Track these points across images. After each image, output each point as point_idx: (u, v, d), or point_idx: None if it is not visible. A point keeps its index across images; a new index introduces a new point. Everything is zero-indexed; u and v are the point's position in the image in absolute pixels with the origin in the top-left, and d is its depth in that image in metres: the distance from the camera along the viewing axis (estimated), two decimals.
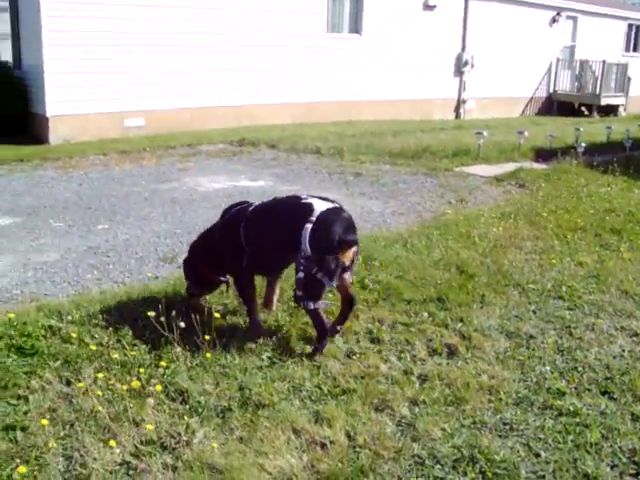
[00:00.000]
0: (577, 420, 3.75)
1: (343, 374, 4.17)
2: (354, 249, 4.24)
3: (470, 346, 4.63)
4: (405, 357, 4.46)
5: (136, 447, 3.32)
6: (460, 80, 20.00)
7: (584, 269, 6.25)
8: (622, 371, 4.37)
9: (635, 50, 26.14)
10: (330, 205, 4.27)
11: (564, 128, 15.97)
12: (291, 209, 4.46)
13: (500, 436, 3.60)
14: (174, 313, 4.36)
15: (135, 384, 3.75)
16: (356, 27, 17.52)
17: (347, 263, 4.21)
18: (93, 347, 4.17)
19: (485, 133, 11.87)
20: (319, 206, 4.22)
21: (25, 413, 3.58)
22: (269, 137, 13.39)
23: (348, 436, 3.51)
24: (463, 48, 19.70)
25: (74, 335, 4.37)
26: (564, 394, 4.05)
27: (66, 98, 13.06)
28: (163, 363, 4.03)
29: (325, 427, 3.57)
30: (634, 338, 4.96)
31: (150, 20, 13.84)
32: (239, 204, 4.80)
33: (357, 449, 3.42)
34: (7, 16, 14.00)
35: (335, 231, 4.09)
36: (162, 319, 4.28)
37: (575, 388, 4.14)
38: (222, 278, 4.92)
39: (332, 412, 3.68)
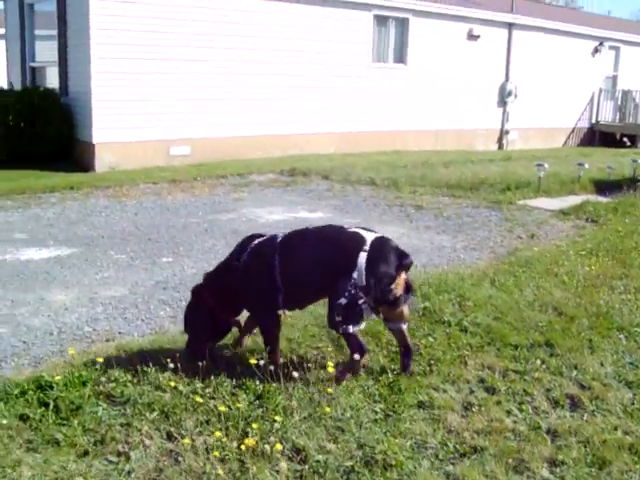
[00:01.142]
0: None
1: (466, 429, 3.81)
2: (404, 276, 4.15)
3: (592, 397, 4.27)
4: (527, 409, 4.09)
5: None
6: (503, 110, 19.71)
7: None
8: None
9: None
10: (378, 234, 4.22)
11: (614, 159, 15.57)
12: (340, 238, 4.26)
13: None
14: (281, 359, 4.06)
15: (250, 442, 3.40)
16: (401, 57, 17.35)
17: (400, 292, 4.12)
18: (198, 399, 3.82)
19: (546, 165, 11.51)
20: (368, 235, 4.17)
21: (129, 473, 3.25)
22: (320, 167, 13.13)
23: None
24: (507, 78, 19.44)
25: (167, 382, 4.03)
26: None
27: (112, 125, 12.93)
28: (278, 418, 3.67)
29: None
30: None
31: (197, 48, 13.67)
32: (256, 236, 4.51)
33: None
34: (55, 44, 13.89)
35: (392, 257, 4.09)
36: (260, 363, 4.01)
37: None
38: (235, 319, 4.65)
39: (468, 474, 3.31)
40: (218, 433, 3.52)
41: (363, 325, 4.26)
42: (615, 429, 3.90)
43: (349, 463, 3.42)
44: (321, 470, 3.33)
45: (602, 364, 4.76)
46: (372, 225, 8.67)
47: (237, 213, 9.55)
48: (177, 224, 8.84)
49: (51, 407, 3.77)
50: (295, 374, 3.96)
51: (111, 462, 3.33)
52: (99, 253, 7.44)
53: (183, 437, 3.51)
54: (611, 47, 22.83)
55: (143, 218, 9.15)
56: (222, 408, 3.73)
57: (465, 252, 7.93)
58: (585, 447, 3.68)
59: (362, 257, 4.04)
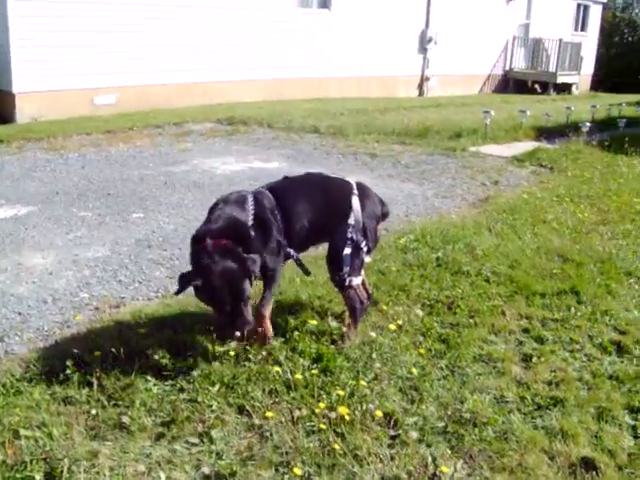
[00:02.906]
0: None
1: (535, 380, 3.76)
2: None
3: (634, 342, 4.31)
4: (580, 357, 4.11)
5: None
6: (424, 57, 19.74)
7: None
8: None
9: (583, 30, 26.52)
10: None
11: (536, 106, 15.90)
12: (330, 184, 4.17)
13: None
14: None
15: (343, 410, 3.20)
16: (325, 2, 16.94)
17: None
18: (253, 367, 3.57)
19: (492, 112, 11.57)
20: (350, 180, 4.17)
21: (219, 455, 2.98)
22: (257, 115, 12.74)
23: (611, 455, 3.08)
24: (427, 25, 19.42)
25: (218, 350, 3.75)
26: None
27: (33, 74, 12.04)
28: (363, 383, 3.47)
29: (571, 444, 3.12)
30: None
31: None
32: (236, 192, 3.96)
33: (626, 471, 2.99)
34: None
35: (378, 200, 4.19)
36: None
37: None
38: None
39: (569, 427, 3.24)
40: (291, 403, 3.29)
41: (362, 277, 4.15)
42: None
43: (441, 424, 3.28)
44: (416, 434, 3.17)
45: (627, 309, 4.80)
46: (333, 175, 8.53)
47: (189, 164, 9.11)
48: (132, 177, 8.35)
49: (95, 387, 3.41)
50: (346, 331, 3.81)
51: (193, 444, 3.04)
52: (61, 210, 6.91)
53: (257, 410, 3.26)
54: None
55: (92, 171, 8.59)
56: (298, 376, 3.48)
57: (438, 200, 7.87)
58: None
59: (355, 200, 3.99)
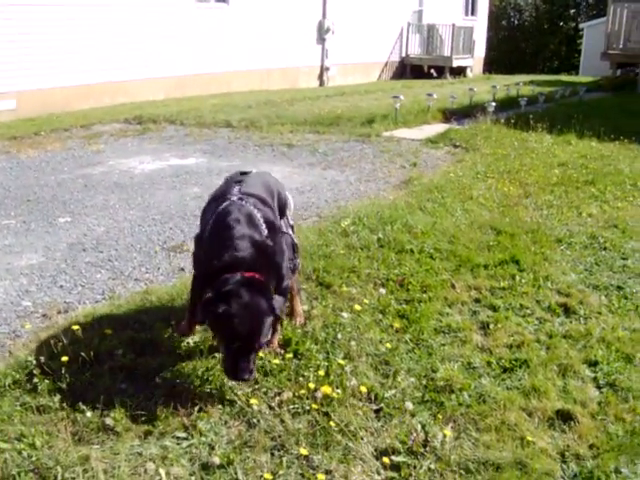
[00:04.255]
0: None
1: (496, 345, 3.92)
2: None
3: (578, 303, 4.55)
4: (532, 321, 4.30)
5: None
6: (322, 47, 19.90)
7: (597, 220, 6.38)
8: None
9: (473, 14, 27.35)
10: None
11: (440, 90, 16.31)
12: (270, 180, 4.12)
13: None
14: None
15: (326, 389, 3.26)
16: None
17: None
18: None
19: (402, 97, 11.83)
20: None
21: (212, 447, 2.97)
22: (165, 113, 12.55)
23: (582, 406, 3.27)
24: (324, 15, 19.56)
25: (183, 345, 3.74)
26: None
27: None
28: (341, 362, 3.54)
29: (544, 399, 3.29)
30: None
31: None
32: (233, 203, 3.56)
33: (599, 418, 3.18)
34: None
35: None
36: None
37: None
38: None
39: (539, 385, 3.43)
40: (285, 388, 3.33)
41: None
42: (613, 328, 4.16)
43: (419, 394, 3.38)
44: (398, 405, 3.26)
45: (564, 273, 5.05)
46: (255, 166, 8.54)
47: (106, 166, 8.91)
48: (49, 182, 8.09)
49: (66, 392, 3.33)
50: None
51: (183, 438, 3.02)
52: None
53: (240, 398, 3.27)
54: None
55: (6, 178, 8.27)
56: (275, 361, 3.51)
57: (362, 184, 8.01)
58: (607, 346, 3.91)
59: (288, 194, 4.10)
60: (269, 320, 3.18)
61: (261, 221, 3.49)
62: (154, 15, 15.07)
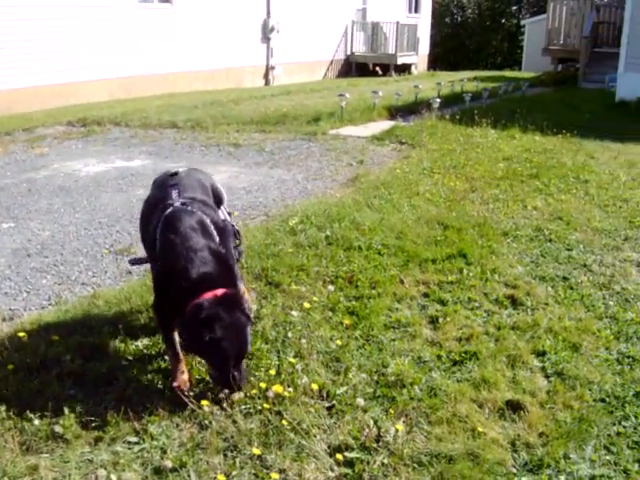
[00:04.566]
0: None
1: (446, 339, 3.96)
2: None
3: (525, 294, 4.62)
4: (480, 313, 4.36)
5: None
6: (267, 46, 19.86)
7: (542, 212, 6.50)
8: None
9: (417, 12, 27.59)
10: None
11: (385, 87, 16.44)
12: (201, 176, 4.02)
13: None
14: None
15: (278, 388, 3.26)
16: None
17: None
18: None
19: (348, 95, 11.87)
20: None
21: (164, 451, 2.94)
22: (110, 114, 12.37)
23: (532, 395, 3.33)
24: (268, 14, 19.52)
25: (127, 350, 3.70)
26: None
27: None
28: (292, 360, 3.54)
29: (494, 390, 3.35)
30: None
31: None
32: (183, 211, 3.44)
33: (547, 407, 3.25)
34: None
35: None
36: None
37: None
38: None
39: (489, 376, 3.47)
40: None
41: None
42: (560, 319, 4.25)
43: (370, 390, 3.40)
44: (350, 401, 3.27)
45: (511, 266, 5.13)
46: (202, 167, 8.46)
47: (50, 169, 8.75)
48: None
49: (12, 400, 3.26)
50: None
51: (134, 443, 2.99)
52: None
53: (191, 401, 3.24)
54: None
55: None
56: None
57: (309, 183, 8.01)
58: (554, 336, 3.99)
59: (219, 185, 4.05)
60: (250, 328, 3.20)
61: (212, 227, 3.45)
62: (97, 16, 14.84)
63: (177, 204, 3.44)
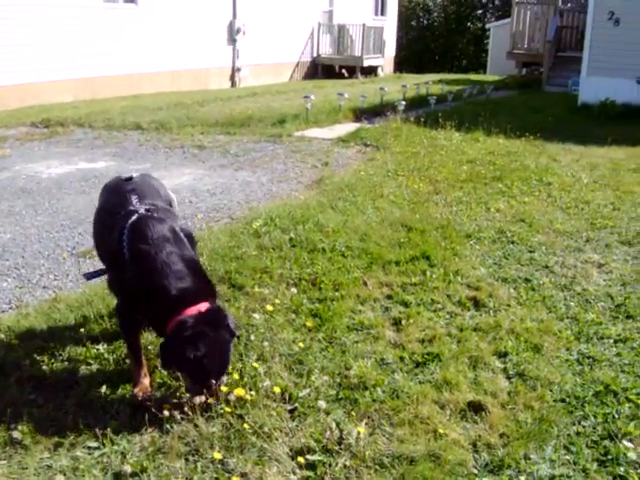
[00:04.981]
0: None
1: (409, 341, 3.98)
2: None
3: (487, 296, 4.67)
4: (443, 315, 4.39)
5: None
6: (233, 48, 19.78)
7: (505, 215, 6.57)
8: (623, 296, 4.72)
9: (383, 14, 27.71)
10: None
11: (351, 89, 16.45)
12: (154, 182, 3.93)
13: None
14: None
15: (239, 391, 3.25)
16: None
17: None
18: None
19: (313, 97, 11.88)
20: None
21: (124, 455, 2.92)
22: (74, 116, 12.23)
23: (493, 396, 3.36)
24: (234, 16, 19.46)
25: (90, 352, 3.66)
26: (601, 323, 4.31)
27: None
28: (255, 364, 3.52)
29: (456, 392, 3.37)
30: (602, 268, 5.29)
31: None
32: (151, 218, 3.34)
33: (509, 408, 3.28)
34: None
35: None
36: None
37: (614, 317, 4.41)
38: None
39: (451, 378, 3.50)
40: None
41: None
42: (521, 320, 4.30)
43: (333, 392, 3.41)
44: (312, 404, 3.28)
45: (474, 267, 5.17)
46: (166, 169, 8.46)
47: (11, 171, 8.62)
48: None
49: None
50: None
51: (95, 448, 2.95)
52: None
53: (152, 405, 3.22)
54: None
55: None
56: None
57: (274, 185, 8.00)
58: (517, 338, 4.03)
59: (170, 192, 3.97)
60: (232, 344, 3.17)
61: (181, 234, 3.35)
62: (61, 15, 14.65)
63: (142, 211, 3.34)
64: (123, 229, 3.24)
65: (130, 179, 3.66)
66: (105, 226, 3.46)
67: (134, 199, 3.44)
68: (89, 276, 3.75)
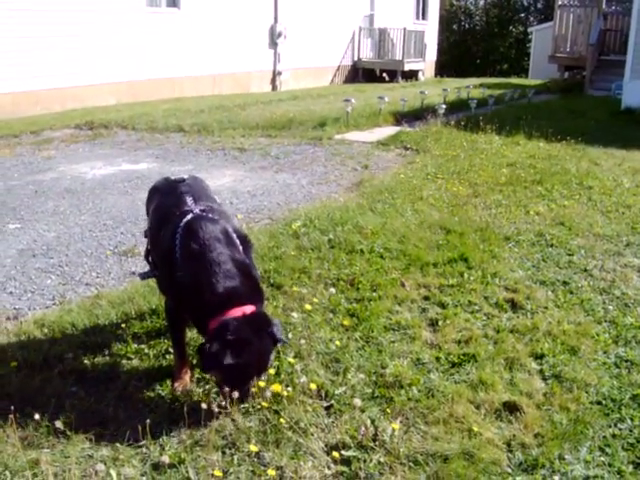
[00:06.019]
0: None
1: (445, 341, 3.99)
2: None
3: (525, 298, 4.64)
4: (480, 317, 4.38)
5: None
6: (275, 52, 19.94)
7: (545, 218, 6.52)
8: None
9: (424, 19, 27.66)
10: None
11: (391, 93, 16.48)
12: (205, 184, 3.98)
13: None
14: None
15: (276, 387, 3.29)
16: (174, 0, 16.73)
17: None
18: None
19: (353, 100, 11.92)
20: None
21: (162, 447, 2.99)
22: (118, 118, 12.45)
23: (529, 397, 3.36)
24: (276, 20, 19.61)
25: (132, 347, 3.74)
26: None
27: None
28: (291, 360, 3.57)
29: (491, 392, 3.38)
30: None
31: None
32: (206, 219, 3.36)
33: (544, 409, 3.27)
34: None
35: None
36: None
37: None
38: None
39: (487, 378, 3.50)
40: None
41: None
42: (559, 322, 4.27)
43: (369, 390, 3.43)
44: (348, 401, 3.31)
45: (512, 270, 5.15)
46: (207, 171, 8.56)
47: (57, 172, 8.81)
48: None
49: (15, 396, 3.31)
50: None
51: (135, 439, 3.02)
52: None
53: (191, 398, 3.29)
54: None
55: None
56: None
57: (313, 187, 8.05)
58: (554, 341, 4.01)
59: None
60: (274, 351, 3.18)
61: (235, 237, 3.37)
62: (106, 20, 14.94)
63: (197, 211, 3.36)
64: (177, 228, 3.28)
65: (182, 181, 3.71)
66: (160, 225, 3.50)
67: (189, 200, 3.49)
68: (143, 276, 3.86)
